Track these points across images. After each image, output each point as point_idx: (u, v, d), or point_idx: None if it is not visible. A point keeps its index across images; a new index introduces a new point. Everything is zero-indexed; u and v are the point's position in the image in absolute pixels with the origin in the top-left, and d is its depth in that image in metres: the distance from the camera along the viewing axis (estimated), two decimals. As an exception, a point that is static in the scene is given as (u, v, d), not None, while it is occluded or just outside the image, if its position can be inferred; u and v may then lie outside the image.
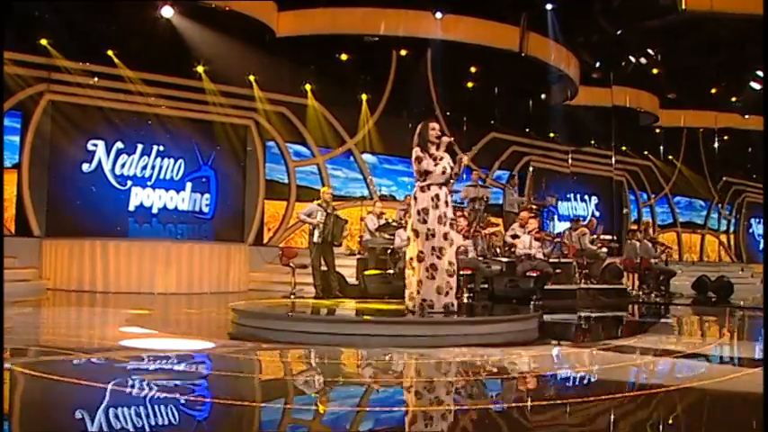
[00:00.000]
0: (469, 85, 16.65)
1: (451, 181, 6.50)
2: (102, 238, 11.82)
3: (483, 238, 11.44)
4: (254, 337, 6.00)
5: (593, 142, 19.69)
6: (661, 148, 20.98)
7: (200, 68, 13.50)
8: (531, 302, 10.53)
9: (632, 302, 12.09)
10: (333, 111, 15.28)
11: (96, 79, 12.60)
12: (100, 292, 11.42)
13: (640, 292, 13.25)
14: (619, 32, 13.78)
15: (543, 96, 17.33)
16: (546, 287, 11.31)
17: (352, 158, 15.72)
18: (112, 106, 12.73)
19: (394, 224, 11.69)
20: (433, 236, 6.22)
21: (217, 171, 13.90)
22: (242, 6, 12.48)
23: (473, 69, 15.95)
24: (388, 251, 11.32)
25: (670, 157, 21.53)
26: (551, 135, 18.91)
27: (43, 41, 12.06)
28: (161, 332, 6.75)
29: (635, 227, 16.66)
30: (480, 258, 11.23)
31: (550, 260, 11.73)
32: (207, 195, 13.75)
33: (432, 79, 16.36)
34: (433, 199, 6.24)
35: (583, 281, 12.50)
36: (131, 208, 12.96)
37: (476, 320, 6.43)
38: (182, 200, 13.48)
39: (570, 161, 19.13)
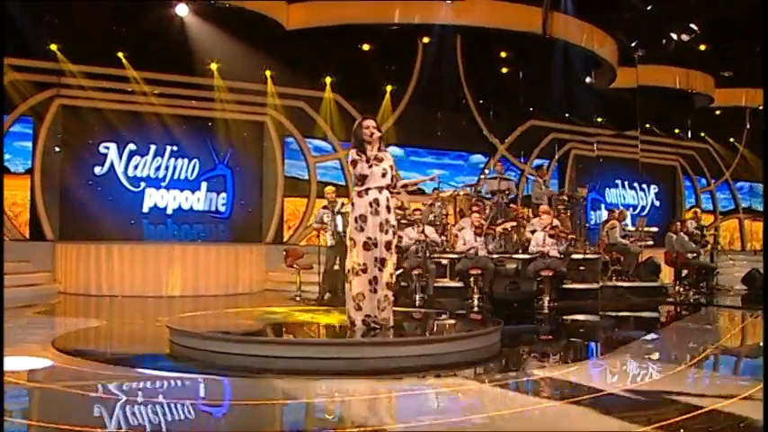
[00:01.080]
0: (504, 70, 15.94)
1: (398, 184, 6.05)
2: (112, 241, 11.97)
3: (496, 237, 10.84)
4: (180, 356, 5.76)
5: (648, 126, 18.61)
6: (717, 130, 19.67)
7: (213, 66, 13.39)
8: (542, 304, 10.08)
9: (664, 301, 11.28)
10: (355, 103, 14.94)
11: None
12: (110, 295, 11.55)
13: (679, 290, 12.44)
14: (648, 8, 12.84)
15: (586, 80, 16.41)
16: (565, 286, 10.79)
17: (376, 152, 15.31)
18: (124, 108, 12.81)
19: (403, 222, 11.28)
20: (375, 246, 5.82)
21: (233, 170, 13.83)
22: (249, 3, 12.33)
23: (503, 54, 15.24)
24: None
25: (731, 139, 20.17)
26: (598, 120, 17.97)
27: (53, 47, 12.19)
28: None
29: (689, 215, 15.67)
30: (492, 257, 10.74)
31: (574, 257, 11.16)
32: (223, 194, 13.69)
33: (462, 67, 15.77)
34: (371, 204, 5.83)
35: (613, 278, 11.86)
36: (145, 209, 13.05)
37: (401, 342, 5.86)
38: (197, 200, 13.48)
39: (618, 147, 18.18)
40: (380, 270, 5.83)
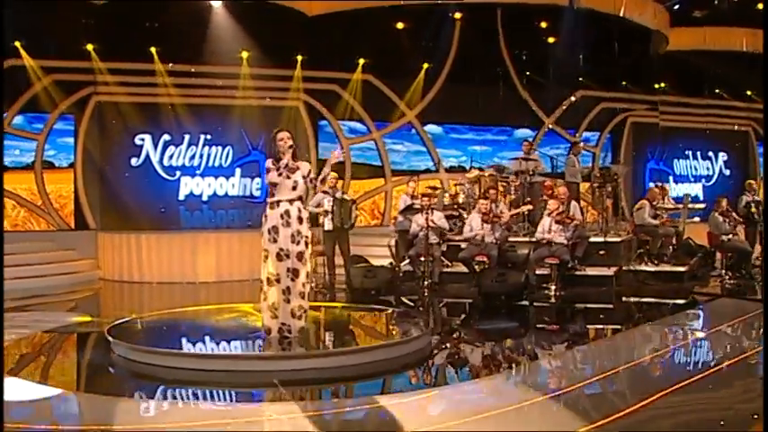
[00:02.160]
0: (551, 40, 15.46)
1: (311, 193, 6.23)
2: (148, 230, 12.83)
3: (501, 224, 10.73)
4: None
5: (717, 91, 17.56)
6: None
7: (243, 55, 13.81)
8: (548, 293, 9.99)
9: (684, 288, 10.78)
10: (390, 83, 15.05)
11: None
12: (147, 282, 12.43)
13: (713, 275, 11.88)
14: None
15: (638, 45, 15.69)
16: (578, 273, 10.61)
17: (413, 131, 15.41)
18: (157, 101, 13.52)
19: (416, 206, 11.38)
20: (287, 256, 6.08)
21: (268, 155, 14.21)
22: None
23: (544, 25, 14.81)
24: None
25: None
26: (661, 86, 17.12)
27: (89, 47, 12.99)
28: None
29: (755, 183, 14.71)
30: (499, 243, 10.68)
31: (594, 240, 10.92)
32: (257, 179, 14.24)
33: (503, 39, 15.47)
34: (282, 216, 6.08)
35: (643, 261, 11.47)
36: (181, 197, 13.81)
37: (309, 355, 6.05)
38: (231, 185, 14.11)
39: (684, 114, 17.29)
40: (293, 280, 6.09)
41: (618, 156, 16.60)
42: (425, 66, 15.14)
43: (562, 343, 7.54)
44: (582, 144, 16.11)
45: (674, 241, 12.10)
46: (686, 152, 17.74)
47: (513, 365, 6.37)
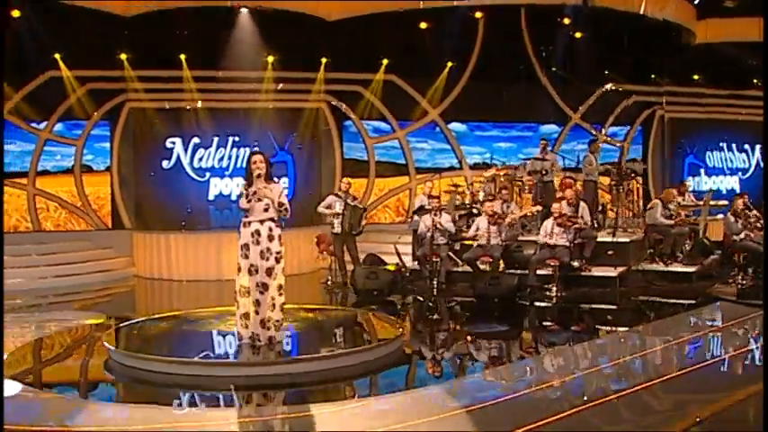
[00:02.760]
0: (578, 35, 15.51)
1: (281, 211, 6.73)
2: (179, 230, 13.64)
3: (505, 226, 11.04)
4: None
5: (755, 81, 17.24)
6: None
7: (269, 58, 14.40)
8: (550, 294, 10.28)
9: (692, 289, 10.85)
10: (413, 82, 15.43)
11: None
12: (176, 280, 13.26)
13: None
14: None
15: (667, 38, 15.59)
16: (583, 273, 10.85)
17: (437, 129, 15.76)
18: (186, 105, 14.28)
19: (428, 207, 11.77)
20: (257, 272, 6.62)
21: (294, 155, 14.91)
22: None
23: (566, 21, 14.89)
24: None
25: None
26: (694, 78, 16.94)
27: (122, 56, 13.81)
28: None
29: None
30: (506, 244, 11.01)
31: (602, 239, 11.13)
32: (284, 179, 14.83)
33: (527, 36, 15.62)
34: (253, 234, 6.62)
35: (651, 261, 11.61)
36: (211, 197, 14.58)
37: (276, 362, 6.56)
38: (260, 186, 14.69)
39: (718, 106, 17.08)
40: (262, 293, 6.65)
41: (648, 150, 16.59)
42: (449, 64, 15.42)
43: (528, 349, 7.96)
44: (609, 138, 16.23)
45: (688, 240, 12.15)
46: (720, 144, 17.50)
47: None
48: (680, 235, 11.83)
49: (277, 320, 6.78)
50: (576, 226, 10.58)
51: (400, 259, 11.53)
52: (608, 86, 16.25)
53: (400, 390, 6.15)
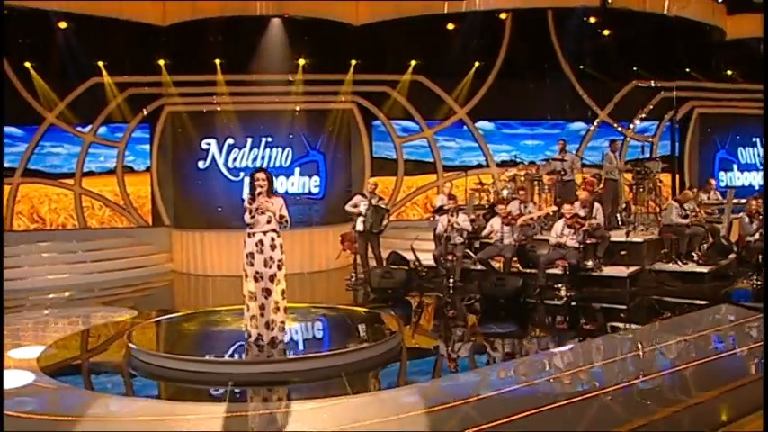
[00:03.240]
0: (606, 32, 15.72)
1: (282, 223, 7.36)
2: (214, 228, 14.42)
3: (520, 226, 11.49)
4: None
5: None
6: None
7: (300, 62, 15.05)
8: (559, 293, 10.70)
9: (704, 290, 11.11)
10: (441, 83, 15.88)
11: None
12: (210, 275, 14.08)
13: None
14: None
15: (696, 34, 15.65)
16: (594, 273, 11.23)
17: (465, 127, 16.20)
18: (221, 108, 15.04)
19: (446, 208, 12.27)
20: (261, 278, 7.29)
21: (325, 155, 15.57)
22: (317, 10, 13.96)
23: (592, 20, 15.11)
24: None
25: None
26: (728, 73, 16.94)
27: (161, 62, 14.64)
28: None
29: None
30: (520, 244, 11.46)
31: (615, 239, 11.47)
32: (315, 178, 15.56)
33: (554, 34, 15.89)
34: (257, 244, 7.28)
35: (667, 261, 11.88)
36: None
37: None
38: (291, 184, 15.49)
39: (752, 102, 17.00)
40: (266, 298, 7.30)
41: (679, 145, 16.71)
42: (476, 64, 15.82)
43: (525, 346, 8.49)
44: (637, 135, 16.43)
45: (703, 241, 12.35)
46: (753, 140, 17.45)
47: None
48: (694, 235, 12.07)
49: (281, 322, 7.44)
50: (585, 228, 10.94)
51: (416, 258, 12.08)
52: (636, 83, 16.38)
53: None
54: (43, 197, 14.88)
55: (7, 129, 14.53)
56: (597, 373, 6.99)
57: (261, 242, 7.31)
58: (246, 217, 7.33)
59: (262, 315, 7.33)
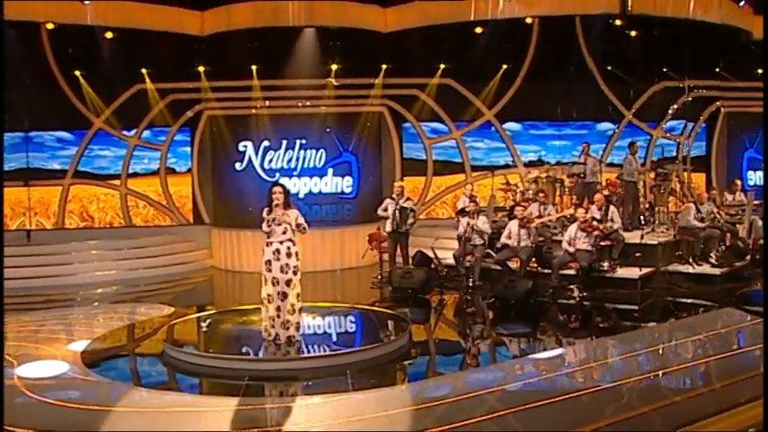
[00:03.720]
0: (633, 33, 16.06)
1: (301, 230, 8.14)
2: (249, 227, 15.28)
3: (536, 228, 12.07)
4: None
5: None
6: None
7: (333, 67, 15.82)
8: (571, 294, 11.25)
9: (717, 291, 11.52)
10: (469, 85, 16.46)
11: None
12: (246, 272, 14.91)
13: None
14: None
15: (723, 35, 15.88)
16: (608, 275, 11.77)
17: (493, 128, 16.77)
18: (257, 112, 15.92)
19: (467, 210, 12.91)
20: (278, 283, 8.08)
21: (357, 156, 16.34)
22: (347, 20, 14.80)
23: (618, 23, 15.48)
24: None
25: None
26: (756, 72, 17.09)
27: (200, 68, 15.58)
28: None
29: None
30: (537, 246, 12.05)
31: (630, 241, 11.97)
32: (348, 178, 16.33)
33: (581, 36, 16.30)
34: (274, 253, 8.07)
35: (683, 262, 12.30)
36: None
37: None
38: (324, 184, 16.29)
39: None
40: (282, 301, 8.10)
41: (706, 145, 17.01)
42: (504, 67, 16.35)
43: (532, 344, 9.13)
44: (667, 134, 16.75)
45: (721, 242, 12.72)
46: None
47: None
48: (710, 237, 12.47)
49: (296, 322, 8.23)
50: (597, 232, 11.47)
51: (437, 258, 12.77)
52: (663, 84, 16.70)
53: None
54: (92, 197, 16.02)
55: (59, 133, 15.90)
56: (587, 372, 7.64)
57: (278, 251, 8.09)
58: (264, 227, 8.12)
59: (278, 316, 8.13)
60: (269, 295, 8.19)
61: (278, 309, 8.12)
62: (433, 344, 9.67)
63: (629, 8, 13.72)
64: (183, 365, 8.02)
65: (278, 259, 8.09)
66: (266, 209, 8.26)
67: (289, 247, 8.14)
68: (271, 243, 8.15)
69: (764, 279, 11.45)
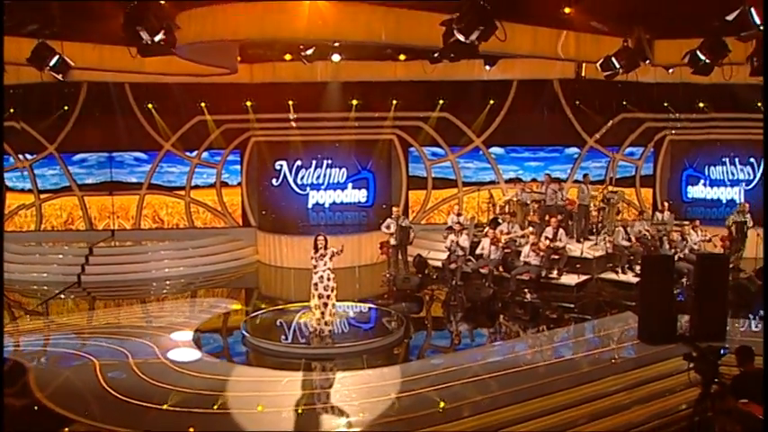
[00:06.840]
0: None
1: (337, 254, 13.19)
2: (286, 232, 20.33)
3: (501, 245, 17.06)
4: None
5: (759, 105, 21.68)
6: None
7: (353, 102, 20.74)
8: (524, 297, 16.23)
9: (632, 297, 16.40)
10: (463, 118, 21.31)
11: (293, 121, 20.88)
12: (285, 267, 19.87)
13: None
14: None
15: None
16: (555, 281, 16.76)
17: (480, 152, 21.68)
18: (292, 138, 20.91)
19: (455, 227, 17.89)
20: (321, 297, 13.16)
21: (374, 173, 21.36)
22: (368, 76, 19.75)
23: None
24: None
25: None
26: (700, 105, 21.54)
27: (248, 103, 20.53)
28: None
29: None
30: (499, 258, 17.07)
31: (572, 254, 16.84)
32: (363, 191, 21.40)
33: (555, 80, 20.97)
34: (320, 278, 12.95)
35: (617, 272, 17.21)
36: (310, 205, 21.31)
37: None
38: (345, 195, 21.37)
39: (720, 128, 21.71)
40: (324, 306, 13.09)
41: (655, 165, 21.92)
42: (491, 102, 21.14)
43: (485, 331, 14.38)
44: (625, 157, 21.55)
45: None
46: (723, 159, 22.06)
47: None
48: (634, 253, 17.40)
49: (332, 322, 13.36)
50: (542, 253, 16.44)
51: (428, 266, 17.87)
52: (622, 115, 21.42)
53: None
54: (162, 204, 21.12)
55: (135, 153, 20.91)
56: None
57: (321, 277, 13.13)
58: (312, 262, 13.17)
59: (321, 317, 13.27)
60: (315, 305, 13.30)
61: (321, 314, 13.22)
62: (424, 329, 14.82)
63: (583, 74, 18.45)
64: (259, 349, 13.13)
65: (322, 282, 13.15)
66: (313, 251, 13.27)
67: (329, 276, 13.14)
68: (316, 272, 13.23)
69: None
